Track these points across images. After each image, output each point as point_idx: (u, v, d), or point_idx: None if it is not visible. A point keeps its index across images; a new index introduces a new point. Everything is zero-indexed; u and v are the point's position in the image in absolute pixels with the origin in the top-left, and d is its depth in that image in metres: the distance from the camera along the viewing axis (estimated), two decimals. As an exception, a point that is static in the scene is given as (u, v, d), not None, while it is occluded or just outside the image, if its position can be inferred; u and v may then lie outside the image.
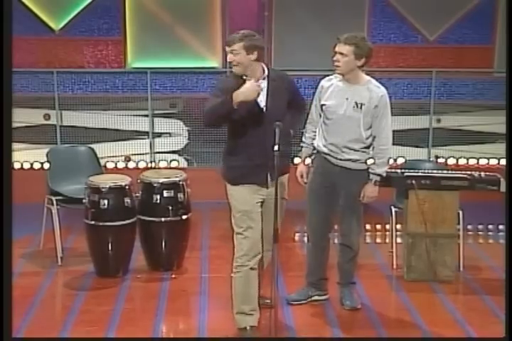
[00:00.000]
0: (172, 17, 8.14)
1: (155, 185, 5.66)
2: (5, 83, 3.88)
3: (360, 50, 4.70)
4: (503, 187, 5.42)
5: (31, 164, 7.92)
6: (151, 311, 5.03)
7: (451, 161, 8.17)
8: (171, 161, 8.09)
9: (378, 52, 7.76)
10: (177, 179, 5.73)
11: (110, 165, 7.91)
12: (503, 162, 7.94)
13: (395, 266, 5.86)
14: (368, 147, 4.89)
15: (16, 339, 4.34)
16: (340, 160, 4.85)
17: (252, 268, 4.44)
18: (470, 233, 6.86)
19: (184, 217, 5.74)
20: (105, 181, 5.63)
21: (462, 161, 8.22)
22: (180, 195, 5.69)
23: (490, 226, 7.20)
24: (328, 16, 8.15)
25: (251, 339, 4.50)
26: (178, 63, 8.14)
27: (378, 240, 6.78)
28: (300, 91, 4.80)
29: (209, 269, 5.87)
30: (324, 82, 4.93)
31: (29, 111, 7.84)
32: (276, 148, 4.06)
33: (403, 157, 7.89)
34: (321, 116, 4.92)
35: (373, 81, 4.86)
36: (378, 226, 7.02)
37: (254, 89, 4.19)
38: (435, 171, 5.72)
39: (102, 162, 6.77)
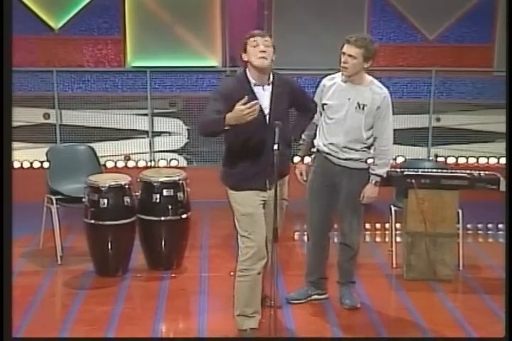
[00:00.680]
0: (172, 16, 8.13)
1: (155, 184, 5.66)
2: (5, 83, 3.88)
3: (368, 52, 4.69)
4: (502, 187, 5.42)
5: (31, 163, 7.92)
6: (151, 310, 5.03)
7: (451, 160, 8.18)
8: (170, 160, 8.09)
9: (378, 51, 7.73)
10: (177, 178, 5.73)
11: (110, 164, 7.91)
12: (503, 161, 7.94)
13: (394, 265, 5.86)
14: (368, 147, 4.88)
15: (15, 339, 4.34)
16: (341, 159, 4.85)
17: (258, 273, 4.42)
18: (469, 232, 6.87)
19: (184, 216, 5.74)
20: (105, 180, 5.63)
21: (462, 160, 8.22)
22: (179, 194, 5.69)
23: (489, 226, 7.21)
24: (328, 15, 8.15)
25: (251, 339, 4.50)
26: (178, 62, 8.14)
27: (378, 239, 6.78)
28: (308, 94, 4.78)
29: (209, 268, 5.87)
30: (326, 81, 4.91)
31: (29, 110, 7.83)
32: (275, 147, 4.03)
33: (403, 156, 7.90)
34: (321, 114, 4.92)
35: (376, 82, 4.86)
36: (378, 226, 7.02)
37: (245, 113, 3.94)
38: (435, 170, 5.72)
39: (102, 161, 6.77)
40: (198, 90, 7.92)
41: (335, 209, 4.98)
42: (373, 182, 4.89)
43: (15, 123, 6.90)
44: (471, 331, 4.75)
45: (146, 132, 8.05)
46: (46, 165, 6.44)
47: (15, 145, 6.89)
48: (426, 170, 5.73)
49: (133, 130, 8.08)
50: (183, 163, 8.09)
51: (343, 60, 4.72)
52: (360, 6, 8.21)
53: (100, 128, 7.97)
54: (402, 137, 7.47)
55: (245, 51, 4.35)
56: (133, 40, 8.16)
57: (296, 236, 6.79)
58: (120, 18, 8.08)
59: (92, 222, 5.57)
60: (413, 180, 5.46)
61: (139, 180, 5.77)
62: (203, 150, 7.91)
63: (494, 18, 8.21)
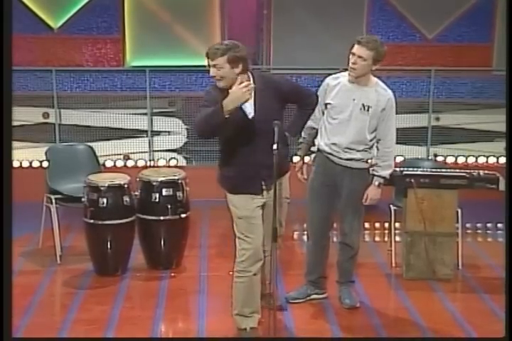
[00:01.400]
0: (171, 15, 8.13)
1: (154, 183, 5.66)
2: (5, 82, 3.88)
3: (379, 55, 4.67)
4: (501, 186, 5.42)
5: (30, 162, 7.91)
6: (150, 310, 5.03)
7: (450, 160, 8.18)
8: (169, 160, 8.09)
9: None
10: (176, 177, 5.72)
11: (109, 164, 7.91)
12: (502, 160, 7.95)
13: (393, 265, 5.86)
14: (370, 147, 4.88)
15: (15, 339, 4.34)
16: (343, 159, 4.83)
17: (255, 274, 4.42)
18: (469, 231, 6.87)
19: (183, 215, 5.74)
20: (104, 180, 5.63)
21: (461, 160, 8.22)
22: (179, 194, 5.68)
23: (488, 225, 7.21)
24: (328, 15, 8.15)
25: (251, 339, 4.50)
26: (177, 61, 8.14)
27: (377, 238, 6.79)
28: (302, 87, 4.70)
29: (208, 268, 5.87)
30: (330, 80, 4.87)
31: (28, 110, 7.82)
32: (275, 147, 4.01)
33: (402, 155, 7.89)
34: (323, 113, 4.89)
35: (380, 83, 4.84)
36: (377, 225, 7.02)
37: (242, 92, 4.01)
38: (434, 170, 5.72)
39: (101, 160, 6.77)
40: (197, 89, 7.90)
41: (335, 208, 4.98)
42: (376, 183, 4.89)
43: (14, 123, 6.87)
44: (470, 330, 4.75)
45: (146, 131, 8.04)
46: (45, 164, 6.44)
47: (14, 144, 6.86)
48: (425, 169, 5.74)
49: (132, 129, 8.08)
50: (183, 162, 8.09)
51: (352, 60, 4.69)
52: (360, 6, 8.21)
53: (99, 127, 7.97)
54: (401, 136, 7.46)
55: None
56: (132, 39, 8.16)
57: (296, 235, 6.79)
58: (119, 18, 8.08)
59: (92, 221, 5.57)
60: (412, 180, 5.46)
61: (138, 179, 5.76)
62: (202, 149, 7.90)
63: (493, 17, 8.21)
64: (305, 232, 5.41)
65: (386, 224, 6.54)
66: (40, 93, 7.90)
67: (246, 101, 4.12)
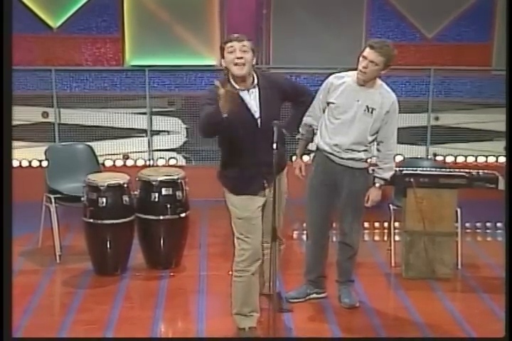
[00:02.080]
0: (170, 15, 8.13)
1: (153, 183, 5.66)
2: (5, 82, 3.87)
3: (390, 61, 4.66)
4: (501, 185, 5.42)
5: (29, 162, 7.92)
6: (150, 309, 5.03)
7: (450, 159, 8.19)
8: (169, 159, 8.09)
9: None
10: (175, 177, 5.72)
11: (108, 163, 7.91)
12: (501, 160, 7.95)
13: (393, 264, 5.86)
14: (370, 147, 4.88)
15: (15, 339, 4.33)
16: (343, 159, 4.83)
17: (253, 274, 4.42)
18: (468, 231, 6.88)
19: (182, 215, 5.74)
20: (103, 179, 5.62)
21: (460, 159, 8.22)
22: (178, 193, 5.68)
23: (488, 224, 7.21)
24: (327, 14, 8.15)
25: (250, 339, 4.50)
26: (177, 61, 8.14)
27: (377, 238, 6.79)
28: (298, 84, 4.71)
29: (207, 267, 5.87)
30: (334, 79, 4.84)
31: (27, 109, 7.82)
32: (274, 146, 4.01)
33: (401, 155, 7.89)
34: (324, 112, 4.87)
35: (385, 85, 4.83)
36: (377, 224, 7.02)
37: (230, 93, 3.95)
38: (433, 169, 5.73)
39: (101, 160, 6.77)
40: (196, 89, 7.91)
41: (335, 208, 4.98)
42: (377, 185, 4.89)
43: (13, 122, 6.88)
44: (470, 330, 4.75)
45: (145, 131, 8.05)
46: (45, 164, 6.44)
47: (13, 144, 6.88)
48: (425, 169, 5.73)
49: (131, 129, 8.08)
50: (182, 161, 8.09)
51: (363, 64, 4.66)
52: (359, 5, 8.22)
53: (99, 126, 7.97)
54: (400, 136, 7.47)
55: (223, 57, 4.24)
56: (131, 38, 8.16)
57: (295, 235, 6.79)
58: (119, 17, 8.08)
59: (91, 220, 5.56)
60: (412, 179, 5.46)
61: (137, 178, 5.76)
62: (202, 148, 7.90)
63: (493, 16, 8.22)
64: (304, 232, 5.40)
65: (385, 224, 6.54)
66: (40, 92, 7.90)
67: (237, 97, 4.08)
